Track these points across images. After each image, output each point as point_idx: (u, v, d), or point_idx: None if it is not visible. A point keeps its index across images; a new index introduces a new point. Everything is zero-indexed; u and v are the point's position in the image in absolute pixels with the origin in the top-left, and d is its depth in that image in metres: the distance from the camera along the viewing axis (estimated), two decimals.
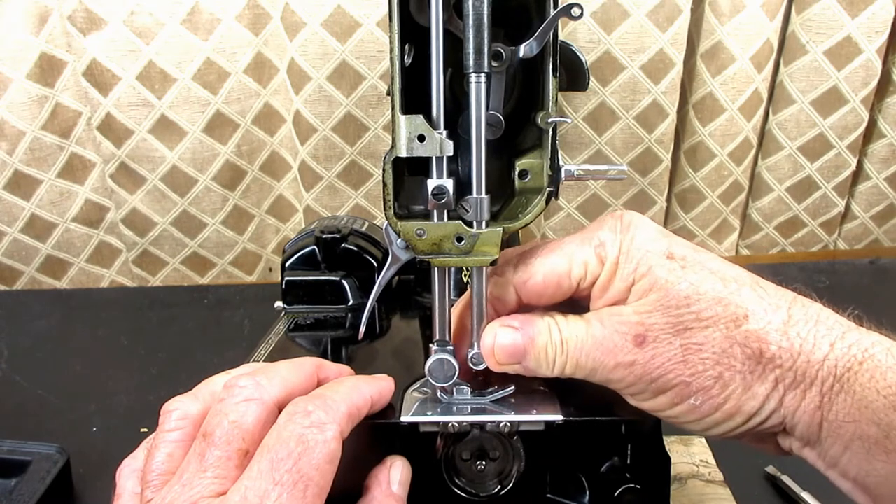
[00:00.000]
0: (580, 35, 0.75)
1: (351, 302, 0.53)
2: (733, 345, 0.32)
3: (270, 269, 0.90)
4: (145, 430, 0.53)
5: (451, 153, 0.33)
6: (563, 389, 0.37)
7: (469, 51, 0.32)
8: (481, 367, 0.37)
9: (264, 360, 0.45)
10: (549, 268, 0.35)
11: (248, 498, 0.27)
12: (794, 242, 0.93)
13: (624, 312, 0.33)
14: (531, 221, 0.36)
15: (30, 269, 0.83)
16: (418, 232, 0.35)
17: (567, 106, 0.80)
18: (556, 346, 0.34)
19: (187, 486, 0.28)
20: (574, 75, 0.38)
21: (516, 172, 0.36)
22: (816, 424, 0.31)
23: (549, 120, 0.35)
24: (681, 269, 0.33)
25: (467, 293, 0.37)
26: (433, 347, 0.36)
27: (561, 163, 0.36)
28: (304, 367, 0.35)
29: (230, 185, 0.82)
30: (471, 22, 0.32)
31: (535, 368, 0.35)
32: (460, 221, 0.35)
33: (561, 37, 0.35)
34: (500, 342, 0.35)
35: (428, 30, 0.32)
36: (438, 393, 0.37)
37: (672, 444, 0.49)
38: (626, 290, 0.34)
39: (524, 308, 0.37)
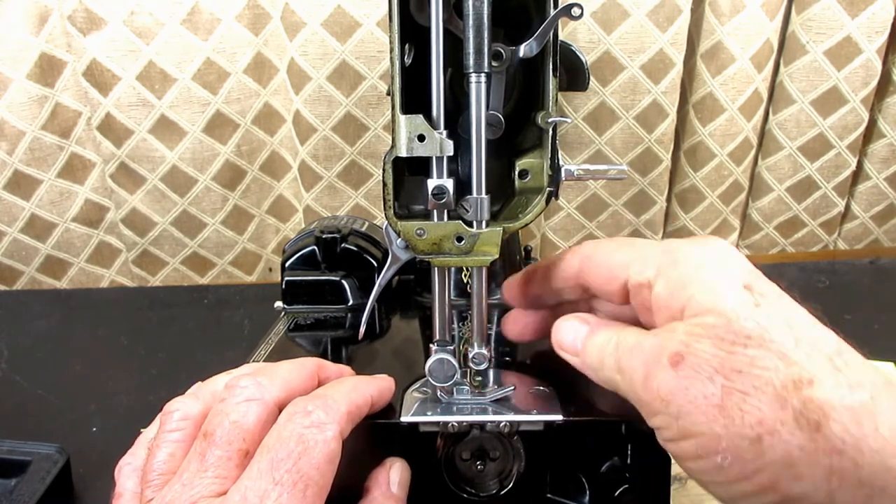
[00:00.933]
0: (580, 35, 0.75)
1: (351, 302, 0.53)
2: (786, 407, 0.26)
3: (270, 269, 0.90)
4: (145, 430, 0.53)
5: (451, 153, 0.33)
6: (564, 389, 0.37)
7: (469, 51, 0.32)
8: (482, 368, 0.37)
9: (264, 361, 0.45)
10: (611, 252, 0.34)
11: (248, 497, 0.27)
12: (794, 242, 0.93)
13: (676, 328, 0.29)
14: (531, 221, 0.36)
15: (30, 269, 0.83)
16: (418, 232, 0.35)
17: (567, 106, 0.80)
18: (609, 346, 0.32)
19: (188, 486, 0.28)
20: (574, 75, 0.38)
21: (516, 172, 0.36)
22: None
23: (549, 120, 0.35)
24: (754, 305, 0.28)
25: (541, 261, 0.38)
26: (433, 347, 0.36)
27: (561, 163, 0.36)
28: (304, 367, 0.35)
29: (230, 185, 0.82)
30: (471, 22, 0.32)
31: (590, 365, 0.33)
32: (460, 221, 0.35)
33: (561, 37, 0.35)
34: (563, 326, 0.35)
35: (428, 30, 0.32)
36: (438, 393, 0.37)
37: None
38: (685, 303, 0.29)
39: (583, 297, 0.37)
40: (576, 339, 0.35)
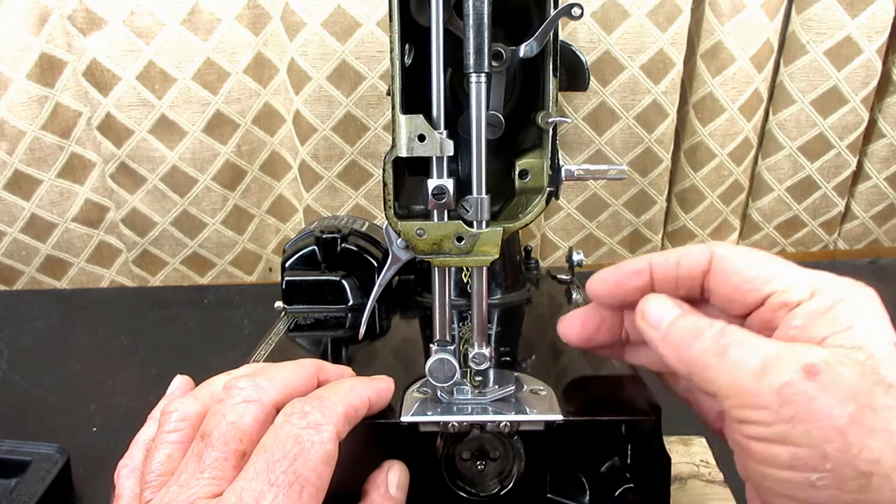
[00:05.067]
0: (580, 35, 0.75)
1: (351, 302, 0.53)
2: None
3: (270, 269, 0.90)
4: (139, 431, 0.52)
5: (451, 153, 0.33)
6: (564, 389, 0.37)
7: (469, 51, 0.32)
8: (482, 368, 0.37)
9: (264, 361, 0.45)
10: (752, 262, 0.31)
11: (243, 498, 0.27)
12: (794, 242, 0.92)
13: (815, 348, 0.28)
14: (531, 221, 0.36)
15: (30, 269, 0.83)
16: (418, 232, 0.35)
17: (567, 106, 0.80)
18: (710, 330, 0.30)
19: (185, 487, 0.28)
20: (574, 75, 0.38)
21: (516, 172, 0.36)
22: None
23: (550, 120, 0.35)
24: None
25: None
26: (433, 347, 0.36)
27: (561, 163, 0.36)
28: (304, 368, 0.35)
29: (230, 185, 0.82)
30: (471, 22, 0.32)
31: (673, 341, 0.31)
32: (460, 221, 0.35)
33: (561, 37, 0.35)
34: (653, 300, 0.33)
35: (428, 30, 0.32)
36: (438, 393, 0.37)
37: (672, 444, 0.48)
38: (836, 332, 0.28)
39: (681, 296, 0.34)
40: (663, 316, 0.32)
